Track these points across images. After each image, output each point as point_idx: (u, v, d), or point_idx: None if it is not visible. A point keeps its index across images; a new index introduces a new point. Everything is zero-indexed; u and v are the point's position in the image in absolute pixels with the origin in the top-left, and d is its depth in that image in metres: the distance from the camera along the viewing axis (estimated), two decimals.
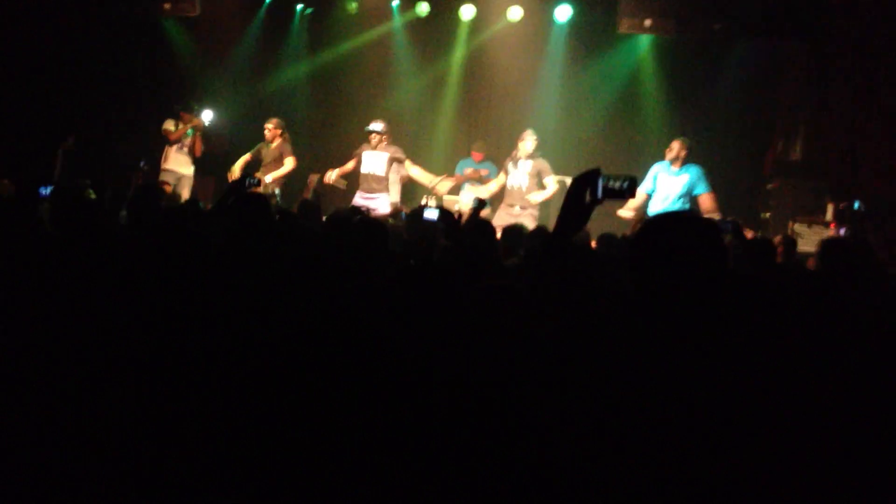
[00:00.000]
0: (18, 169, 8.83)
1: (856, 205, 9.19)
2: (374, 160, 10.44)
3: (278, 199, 9.47)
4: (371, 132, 10.44)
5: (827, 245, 6.07)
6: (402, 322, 3.11)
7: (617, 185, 2.47)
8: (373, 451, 2.62)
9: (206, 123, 10.97)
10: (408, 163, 10.49)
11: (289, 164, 10.58)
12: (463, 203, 10.48)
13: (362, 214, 6.76)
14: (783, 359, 2.60)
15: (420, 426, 2.67)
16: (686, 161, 9.62)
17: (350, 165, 10.58)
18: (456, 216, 6.05)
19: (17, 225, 4.93)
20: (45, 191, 6.49)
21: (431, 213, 6.03)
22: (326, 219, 6.96)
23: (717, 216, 8.62)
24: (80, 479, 2.82)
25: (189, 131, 10.91)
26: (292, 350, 2.83)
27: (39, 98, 11.66)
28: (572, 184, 2.48)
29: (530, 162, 10.26)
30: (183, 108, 10.98)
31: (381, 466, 2.59)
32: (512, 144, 10.72)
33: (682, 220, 2.28)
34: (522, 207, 10.15)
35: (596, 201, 2.47)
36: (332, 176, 10.32)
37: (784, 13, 10.36)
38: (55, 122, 11.24)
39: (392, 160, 10.43)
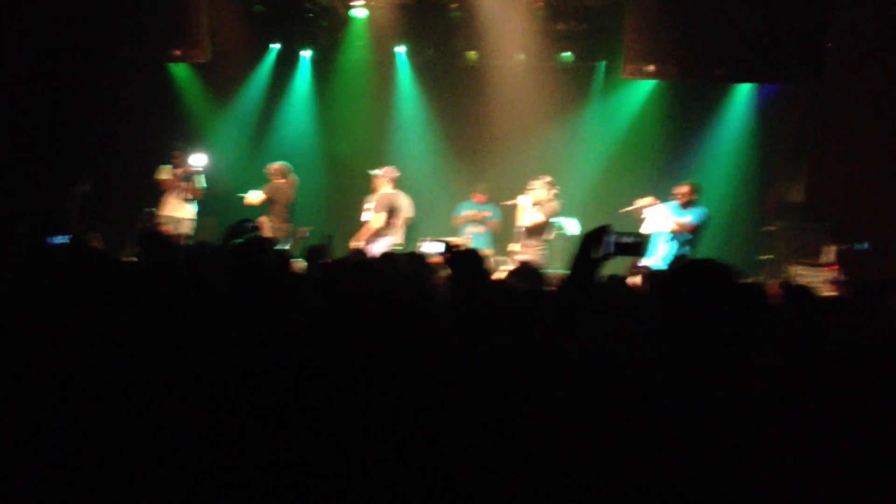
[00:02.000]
0: (31, 213, 8.93)
1: (864, 245, 9.28)
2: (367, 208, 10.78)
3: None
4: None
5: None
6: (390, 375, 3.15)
7: (629, 240, 2.56)
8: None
9: (198, 168, 11.12)
10: (374, 215, 10.57)
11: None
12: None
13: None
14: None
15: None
16: (694, 204, 9.94)
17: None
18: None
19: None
20: (57, 240, 6.60)
21: (433, 247, 5.98)
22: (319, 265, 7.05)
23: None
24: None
25: (185, 177, 11.10)
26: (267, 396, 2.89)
27: (51, 143, 11.82)
28: (581, 241, 2.57)
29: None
30: (173, 150, 11.23)
31: None
32: (513, 185, 10.91)
33: (709, 269, 2.39)
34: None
35: (606, 256, 2.56)
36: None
37: (784, 57, 10.49)
38: (68, 166, 11.38)
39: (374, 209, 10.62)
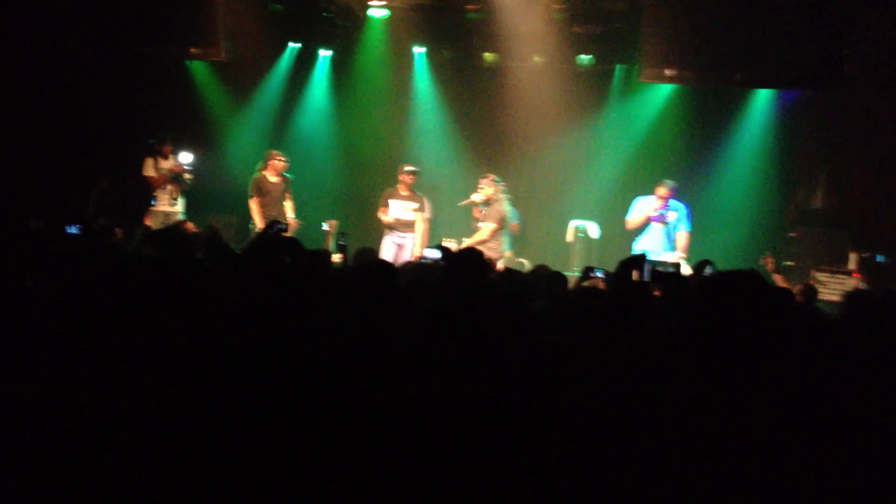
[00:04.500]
0: (51, 208, 8.97)
1: (878, 257, 9.23)
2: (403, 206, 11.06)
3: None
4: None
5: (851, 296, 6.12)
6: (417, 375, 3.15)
7: (665, 269, 2.58)
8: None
9: (187, 166, 11.14)
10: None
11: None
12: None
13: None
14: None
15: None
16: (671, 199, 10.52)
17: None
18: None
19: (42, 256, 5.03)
20: (72, 230, 6.65)
21: (432, 253, 6.11)
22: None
23: (684, 255, 10.03)
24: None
25: (173, 176, 11.14)
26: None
27: (72, 140, 11.84)
28: (619, 267, 2.57)
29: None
30: (157, 141, 11.18)
31: None
32: (532, 188, 10.89)
33: (747, 281, 2.40)
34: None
35: (644, 284, 2.56)
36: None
37: (804, 63, 10.41)
38: (87, 163, 11.42)
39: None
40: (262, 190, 10.91)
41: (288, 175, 11.07)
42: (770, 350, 2.36)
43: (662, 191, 10.50)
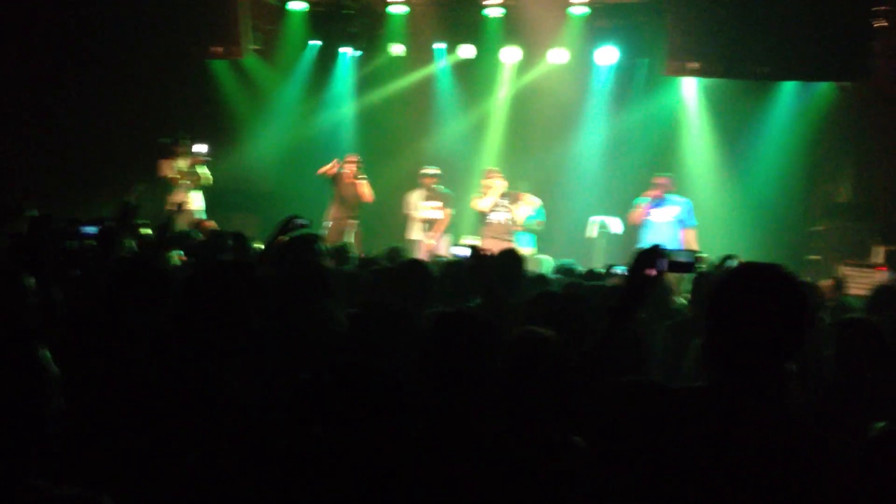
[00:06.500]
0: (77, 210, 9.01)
1: None
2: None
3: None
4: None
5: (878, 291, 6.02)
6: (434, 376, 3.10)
7: (680, 258, 2.53)
8: None
9: (206, 157, 11.12)
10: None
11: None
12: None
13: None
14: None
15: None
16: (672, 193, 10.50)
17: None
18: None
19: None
20: (89, 229, 6.65)
21: (461, 251, 6.09)
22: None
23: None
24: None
25: (194, 168, 11.06)
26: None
27: (100, 143, 11.88)
28: (634, 258, 2.53)
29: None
30: (172, 141, 11.13)
31: None
32: (555, 184, 10.86)
33: (766, 275, 2.29)
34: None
35: (661, 273, 2.51)
36: None
37: (831, 55, 10.28)
38: (115, 166, 11.46)
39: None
40: (338, 194, 11.07)
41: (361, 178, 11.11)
42: (790, 345, 2.24)
43: (657, 181, 10.50)
